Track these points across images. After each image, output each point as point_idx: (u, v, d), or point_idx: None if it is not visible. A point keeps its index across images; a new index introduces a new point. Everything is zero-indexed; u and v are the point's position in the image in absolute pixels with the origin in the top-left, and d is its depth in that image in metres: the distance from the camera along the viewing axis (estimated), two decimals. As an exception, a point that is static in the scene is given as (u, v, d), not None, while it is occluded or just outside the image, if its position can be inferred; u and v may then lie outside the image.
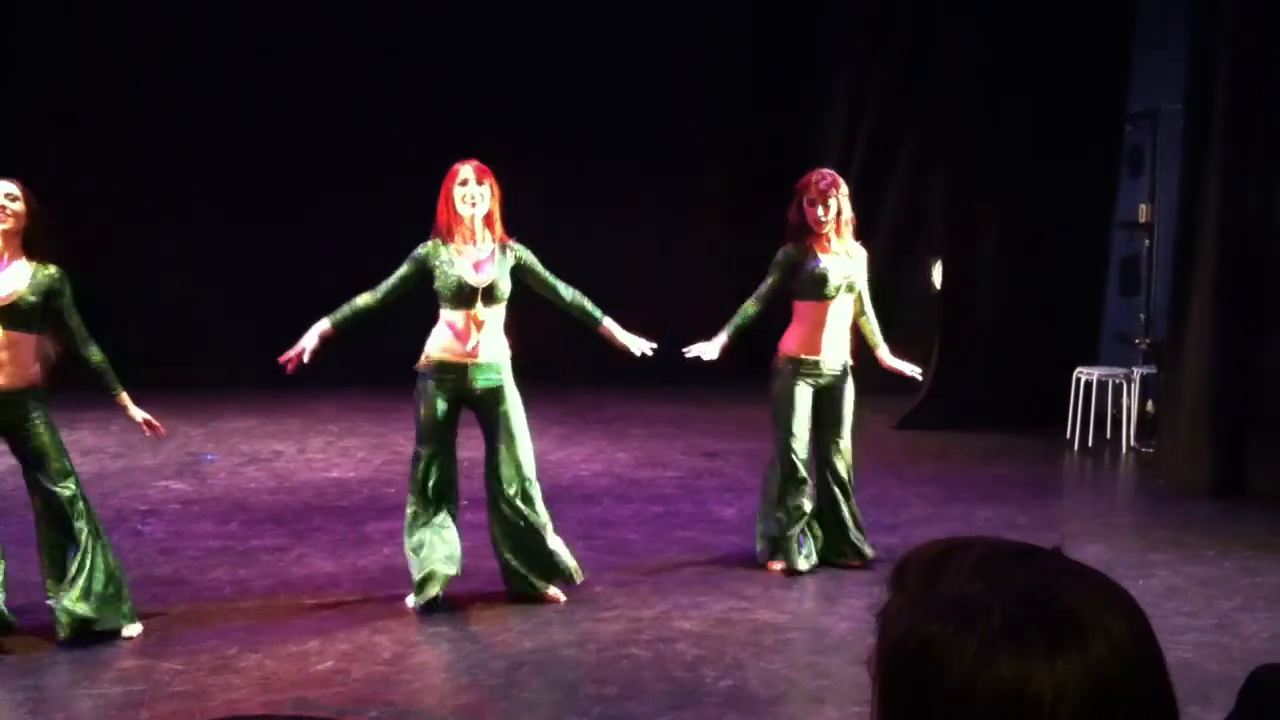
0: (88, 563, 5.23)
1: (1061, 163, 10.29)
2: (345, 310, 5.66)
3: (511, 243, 5.74)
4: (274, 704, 4.60)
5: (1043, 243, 10.42)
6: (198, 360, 11.93)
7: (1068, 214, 10.43)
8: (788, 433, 6.29)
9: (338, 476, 8.62)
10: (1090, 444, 9.78)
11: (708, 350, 6.23)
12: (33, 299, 5.12)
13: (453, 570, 5.72)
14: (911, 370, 6.61)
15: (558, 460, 9.11)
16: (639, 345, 5.94)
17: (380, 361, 10.76)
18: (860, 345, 6.53)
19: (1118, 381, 9.90)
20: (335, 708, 4.55)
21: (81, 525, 5.25)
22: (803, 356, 6.28)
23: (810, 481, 6.38)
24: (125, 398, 5.44)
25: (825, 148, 12.21)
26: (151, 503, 7.73)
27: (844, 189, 6.26)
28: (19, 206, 5.13)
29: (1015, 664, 0.93)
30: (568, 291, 5.85)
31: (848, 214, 6.28)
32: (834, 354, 6.32)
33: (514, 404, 5.75)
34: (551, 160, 12.18)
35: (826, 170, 6.35)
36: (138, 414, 5.47)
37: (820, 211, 6.19)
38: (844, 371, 6.37)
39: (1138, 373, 9.85)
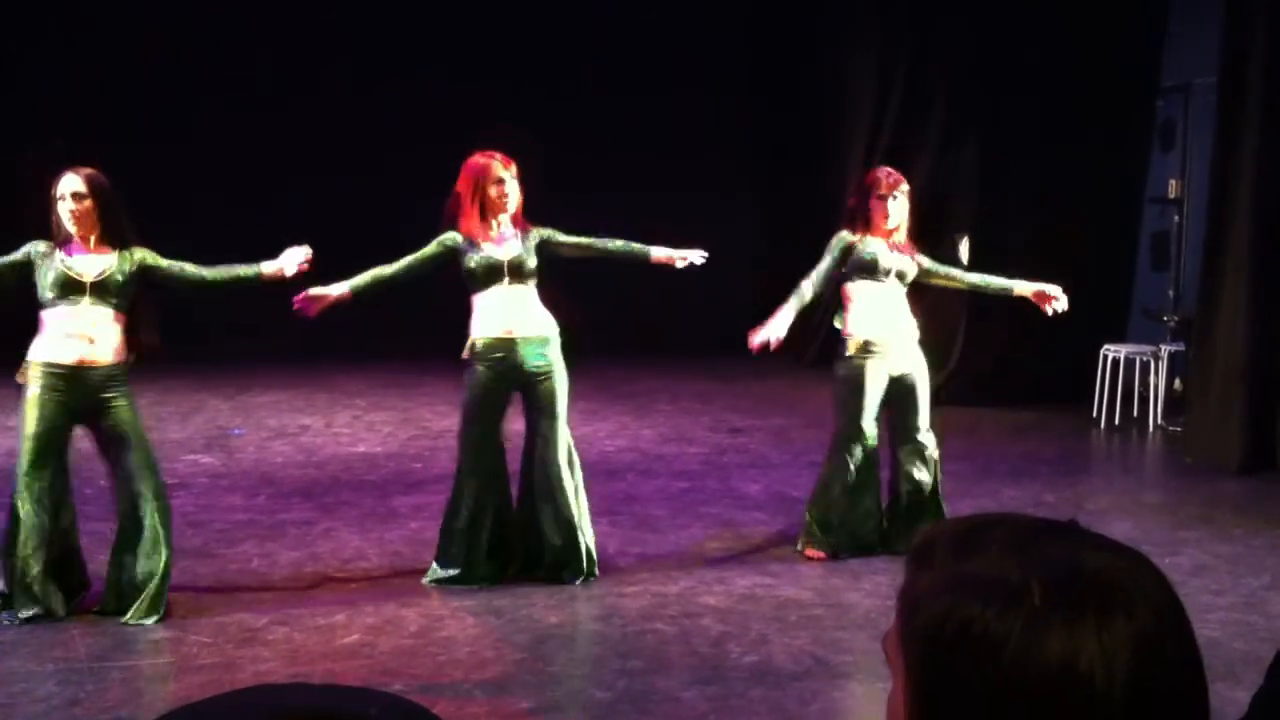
0: (154, 557, 5.23)
1: (1092, 137, 10.21)
2: (365, 278, 5.57)
3: (531, 228, 5.72)
4: (301, 676, 4.62)
5: (1072, 218, 10.34)
6: (226, 334, 11.98)
7: (1097, 189, 10.34)
8: (847, 417, 6.15)
9: (365, 451, 8.65)
10: (1117, 421, 9.73)
11: (776, 330, 5.84)
12: (120, 278, 5.14)
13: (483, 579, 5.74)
14: (1054, 290, 6.40)
15: (583, 435, 9.07)
16: (693, 255, 5.88)
17: (406, 336, 10.82)
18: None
19: (1145, 359, 9.84)
20: (362, 680, 4.58)
21: (154, 522, 5.22)
22: (869, 336, 6.10)
23: (874, 467, 6.23)
24: (266, 267, 5.33)
25: (848, 134, 12.15)
26: (180, 476, 7.77)
27: (906, 187, 6.16)
28: (86, 205, 5.12)
29: (1064, 639, 0.91)
30: (606, 240, 5.84)
31: (906, 218, 6.15)
32: (902, 334, 6.16)
33: (560, 384, 5.72)
34: (551, 157, 12.18)
35: (892, 170, 6.25)
36: (282, 263, 5.33)
37: (890, 206, 6.06)
38: (913, 352, 6.20)
39: (1165, 350, 9.78)
